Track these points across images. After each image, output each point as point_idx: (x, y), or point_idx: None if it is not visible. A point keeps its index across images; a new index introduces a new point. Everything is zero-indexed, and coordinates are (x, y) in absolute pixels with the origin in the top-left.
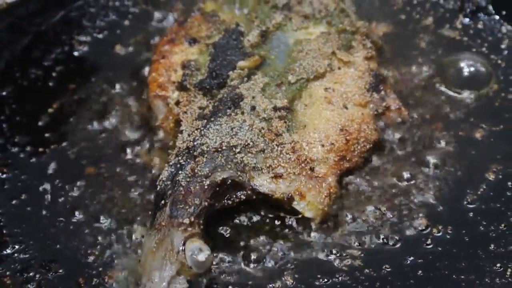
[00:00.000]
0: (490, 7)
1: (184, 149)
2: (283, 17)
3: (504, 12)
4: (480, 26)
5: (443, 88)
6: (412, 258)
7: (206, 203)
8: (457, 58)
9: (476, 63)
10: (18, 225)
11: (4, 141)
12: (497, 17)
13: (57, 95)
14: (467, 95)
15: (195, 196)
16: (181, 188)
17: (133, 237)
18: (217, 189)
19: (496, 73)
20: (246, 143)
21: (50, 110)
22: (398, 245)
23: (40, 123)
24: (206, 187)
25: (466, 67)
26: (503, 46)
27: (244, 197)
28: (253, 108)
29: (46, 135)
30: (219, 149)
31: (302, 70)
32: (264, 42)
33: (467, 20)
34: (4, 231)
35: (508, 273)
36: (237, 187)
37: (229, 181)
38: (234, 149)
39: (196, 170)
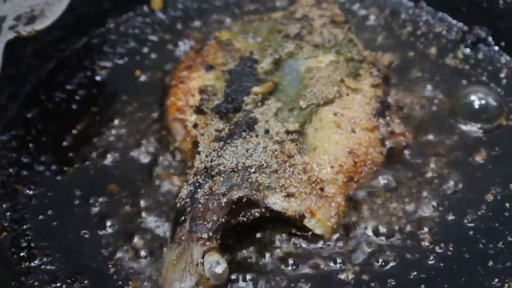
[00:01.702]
0: (490, 39)
1: (202, 169)
2: (295, 46)
3: (503, 43)
4: (480, 56)
5: (449, 116)
6: (415, 273)
7: (223, 219)
8: (465, 91)
9: (486, 96)
10: (45, 239)
11: (31, 160)
12: (496, 47)
13: (80, 117)
14: (472, 126)
15: (213, 212)
16: (200, 205)
17: (151, 250)
18: (233, 206)
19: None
20: (261, 164)
21: (73, 131)
22: (403, 261)
23: (64, 143)
24: (223, 204)
25: (477, 100)
26: (502, 76)
27: (259, 214)
28: (266, 131)
29: (70, 154)
30: (235, 169)
31: (313, 96)
32: (277, 70)
33: (468, 50)
34: (32, 244)
35: None
36: (252, 205)
37: (245, 199)
38: (249, 169)
39: (213, 189)
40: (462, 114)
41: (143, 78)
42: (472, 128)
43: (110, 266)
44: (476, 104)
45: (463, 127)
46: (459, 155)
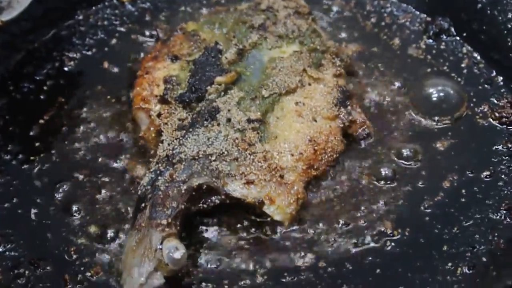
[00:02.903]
0: (452, 29)
1: (164, 157)
2: (259, 36)
3: (464, 34)
4: (442, 46)
5: (409, 107)
6: (371, 258)
7: (182, 206)
8: (425, 82)
9: (445, 87)
10: (9, 226)
11: None
12: (458, 38)
13: (47, 107)
14: (432, 117)
15: (172, 199)
16: (160, 192)
17: (112, 236)
18: (193, 193)
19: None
20: (221, 152)
21: (41, 121)
22: (360, 247)
23: (31, 133)
24: (183, 191)
25: (436, 92)
26: (463, 65)
27: (219, 201)
28: (228, 120)
29: (37, 144)
30: (196, 157)
31: (275, 85)
32: (240, 60)
33: (430, 41)
34: None
35: (459, 272)
36: (212, 192)
37: (205, 186)
38: (210, 157)
39: (174, 176)
40: (422, 105)
41: (111, 69)
42: (433, 119)
43: (72, 252)
44: (436, 96)
45: (423, 117)
46: (419, 143)
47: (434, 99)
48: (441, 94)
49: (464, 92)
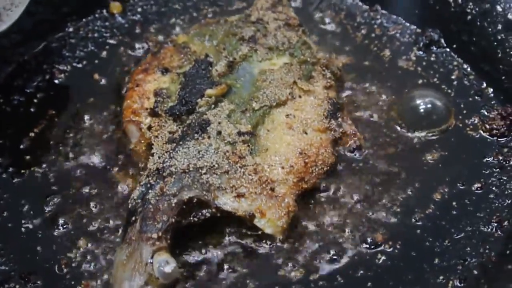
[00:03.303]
0: (442, 41)
1: (154, 170)
2: (249, 49)
3: (455, 46)
4: (432, 58)
5: (398, 119)
6: (362, 271)
7: (173, 220)
8: (414, 95)
9: (432, 99)
10: (0, 240)
11: None
12: (448, 50)
13: (38, 120)
14: (421, 130)
15: (163, 213)
16: (150, 206)
17: (103, 250)
18: (184, 207)
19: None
20: (212, 165)
21: (31, 134)
22: (351, 260)
23: (21, 146)
24: (173, 205)
25: (423, 104)
26: (453, 77)
27: (209, 215)
28: (219, 132)
29: (27, 157)
30: (187, 170)
31: (266, 98)
32: (231, 72)
33: (421, 52)
34: None
35: (450, 285)
36: (202, 205)
37: (195, 199)
38: (200, 170)
39: (164, 190)
40: (410, 117)
41: (101, 81)
42: (421, 131)
43: (63, 266)
44: (423, 108)
45: (412, 130)
46: (409, 155)
47: (421, 110)
48: (428, 105)
49: (451, 104)
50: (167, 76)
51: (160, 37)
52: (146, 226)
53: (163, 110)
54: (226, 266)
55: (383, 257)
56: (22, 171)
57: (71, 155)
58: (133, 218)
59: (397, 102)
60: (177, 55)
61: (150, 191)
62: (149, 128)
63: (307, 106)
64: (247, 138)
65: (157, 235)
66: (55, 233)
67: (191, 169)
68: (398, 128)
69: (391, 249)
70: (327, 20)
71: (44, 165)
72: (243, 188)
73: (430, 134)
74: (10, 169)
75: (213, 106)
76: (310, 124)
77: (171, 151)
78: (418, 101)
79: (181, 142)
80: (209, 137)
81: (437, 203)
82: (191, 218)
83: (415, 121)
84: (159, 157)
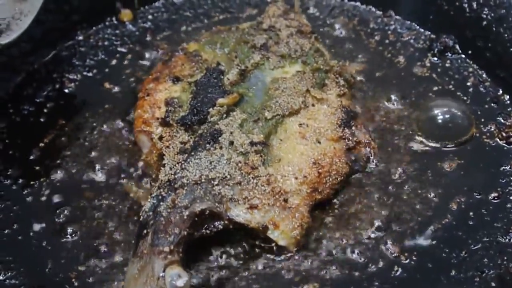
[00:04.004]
0: (457, 47)
1: (166, 181)
2: (261, 56)
3: (470, 52)
4: (447, 64)
5: (414, 128)
6: (377, 283)
7: (185, 232)
8: (431, 103)
9: (452, 109)
10: (10, 253)
11: None
12: (463, 56)
13: (48, 130)
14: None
15: (175, 226)
16: (162, 219)
17: (114, 263)
18: (196, 219)
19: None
20: (224, 176)
21: (41, 144)
22: (367, 272)
23: (31, 157)
24: (185, 217)
25: (441, 114)
26: (468, 84)
27: (222, 227)
28: (231, 143)
29: (37, 168)
30: (199, 182)
31: (278, 106)
32: (243, 81)
33: (435, 59)
34: None
35: None
36: (215, 217)
37: (207, 211)
38: (212, 181)
39: (176, 202)
40: (428, 127)
41: (112, 90)
42: (439, 143)
43: (73, 280)
44: (441, 119)
45: (428, 140)
46: (425, 164)
47: (440, 121)
48: (447, 116)
49: (471, 115)
50: (178, 85)
51: (171, 45)
52: (157, 240)
53: (175, 120)
54: (236, 279)
55: (399, 269)
56: (32, 182)
57: (81, 165)
58: (145, 231)
59: (414, 111)
60: (188, 64)
61: (161, 203)
62: (160, 138)
63: (320, 114)
64: (260, 148)
65: (169, 249)
66: (65, 246)
67: (203, 180)
68: (413, 136)
69: (407, 261)
70: (340, 26)
71: (54, 176)
72: (256, 199)
73: (447, 144)
74: (20, 181)
75: (225, 115)
76: (324, 133)
77: (182, 162)
78: (436, 111)
79: (192, 153)
80: (221, 148)
81: (453, 213)
82: (203, 230)
83: (434, 133)
84: (170, 168)
